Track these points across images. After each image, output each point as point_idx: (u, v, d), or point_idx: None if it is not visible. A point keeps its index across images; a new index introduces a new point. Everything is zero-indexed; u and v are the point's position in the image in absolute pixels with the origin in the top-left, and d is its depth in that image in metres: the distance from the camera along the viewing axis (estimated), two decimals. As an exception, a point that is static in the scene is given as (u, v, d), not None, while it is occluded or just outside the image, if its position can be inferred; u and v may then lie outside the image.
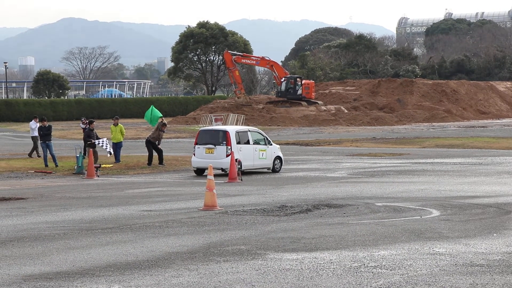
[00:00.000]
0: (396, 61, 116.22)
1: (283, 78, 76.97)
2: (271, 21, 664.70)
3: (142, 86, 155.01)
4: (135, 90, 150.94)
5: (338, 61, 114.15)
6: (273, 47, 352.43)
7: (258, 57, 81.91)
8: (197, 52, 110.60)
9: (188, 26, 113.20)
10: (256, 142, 29.36)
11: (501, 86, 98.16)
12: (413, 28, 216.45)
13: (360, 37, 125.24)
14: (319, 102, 78.50)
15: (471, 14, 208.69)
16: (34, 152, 35.62)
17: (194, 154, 28.71)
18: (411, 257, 12.16)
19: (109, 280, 10.62)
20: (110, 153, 31.20)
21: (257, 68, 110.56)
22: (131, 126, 64.72)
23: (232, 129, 29.42)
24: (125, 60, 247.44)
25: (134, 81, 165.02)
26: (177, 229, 15.39)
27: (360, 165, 32.63)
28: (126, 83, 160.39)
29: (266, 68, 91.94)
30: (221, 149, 28.05)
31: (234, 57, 78.75)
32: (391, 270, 11.12)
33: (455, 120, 77.83)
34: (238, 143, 28.49)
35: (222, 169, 27.90)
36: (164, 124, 33.00)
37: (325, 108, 76.93)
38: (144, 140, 36.00)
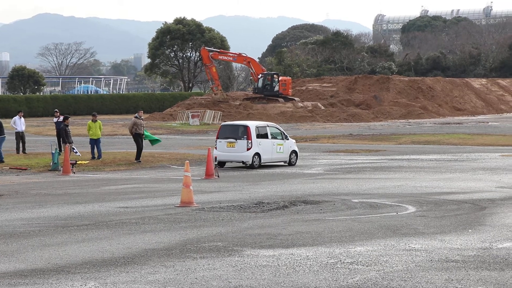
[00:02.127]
0: (373, 58, 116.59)
1: (260, 75, 76.95)
2: (248, 18, 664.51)
3: (118, 82, 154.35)
4: (111, 86, 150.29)
5: (315, 57, 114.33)
6: (250, 44, 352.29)
7: (235, 53, 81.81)
8: (174, 49, 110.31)
9: (165, 22, 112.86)
10: (274, 137, 30.59)
11: (476, 83, 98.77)
12: (389, 25, 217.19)
13: (337, 34, 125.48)
14: (296, 98, 78.58)
15: (447, 12, 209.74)
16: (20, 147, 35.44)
17: (215, 148, 29.81)
18: (387, 253, 12.21)
19: (84, 277, 10.57)
20: (78, 153, 31.06)
21: (234, 64, 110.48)
22: (108, 122, 64.45)
23: (252, 124, 30.73)
24: (101, 56, 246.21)
25: (111, 77, 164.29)
26: (153, 225, 15.35)
27: (336, 162, 32.71)
28: (103, 79, 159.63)
29: (243, 65, 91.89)
30: (242, 143, 29.45)
31: (211, 53, 78.62)
32: (367, 266, 11.15)
33: (431, 117, 78.22)
34: (258, 137, 29.79)
35: (243, 162, 29.60)
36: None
37: (302, 104, 77.02)
38: (122, 136, 35.78)
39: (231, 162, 30.25)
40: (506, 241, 13.29)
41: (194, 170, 26.59)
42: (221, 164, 29.67)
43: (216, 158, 26.35)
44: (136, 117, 32.87)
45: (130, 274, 10.75)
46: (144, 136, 32.58)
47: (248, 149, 29.37)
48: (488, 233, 14.20)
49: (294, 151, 31.21)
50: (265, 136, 30.21)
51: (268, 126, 31.14)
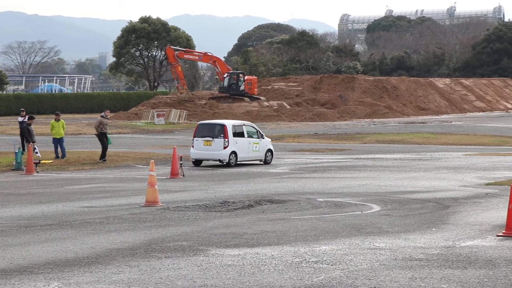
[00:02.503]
0: (338, 57, 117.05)
1: (226, 74, 76.88)
2: (214, 17, 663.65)
3: (83, 81, 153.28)
4: (76, 85, 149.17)
5: (280, 57, 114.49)
6: (216, 43, 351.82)
7: (200, 52, 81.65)
8: (139, 47, 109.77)
9: (130, 21, 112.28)
10: (250, 135, 31.12)
11: (440, 82, 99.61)
12: (354, 24, 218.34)
13: (303, 33, 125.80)
14: (261, 98, 78.62)
15: (411, 12, 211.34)
16: None
17: (192, 146, 30.47)
18: (352, 252, 12.26)
19: (48, 278, 10.47)
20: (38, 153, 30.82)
21: (200, 63, 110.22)
22: (72, 121, 63.97)
23: (229, 122, 31.37)
24: (65, 54, 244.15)
25: (75, 76, 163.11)
26: (118, 225, 15.26)
27: (302, 161, 32.79)
28: (67, 78, 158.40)
29: (208, 64, 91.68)
30: (218, 142, 29.98)
31: (176, 52, 78.39)
32: (332, 265, 11.19)
33: (396, 116, 78.73)
34: (234, 136, 30.31)
35: (220, 161, 30.09)
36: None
37: (267, 104, 77.10)
38: (86, 135, 35.54)
39: (208, 160, 30.64)
40: (469, 240, 13.41)
41: (160, 170, 26.50)
42: (197, 162, 30.34)
43: (181, 157, 26.32)
44: (102, 116, 32.69)
45: (94, 274, 10.68)
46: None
47: (224, 148, 29.92)
48: (452, 231, 14.32)
49: (269, 150, 31.71)
50: (241, 134, 30.72)
51: (244, 125, 31.77)
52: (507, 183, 22.15)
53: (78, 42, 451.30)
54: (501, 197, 19.40)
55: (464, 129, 56.82)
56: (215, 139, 30.08)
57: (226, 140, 29.97)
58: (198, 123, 32.69)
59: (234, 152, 30.23)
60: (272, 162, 31.65)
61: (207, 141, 30.15)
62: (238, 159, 30.47)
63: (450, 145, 42.96)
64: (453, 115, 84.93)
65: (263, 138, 31.65)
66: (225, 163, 30.06)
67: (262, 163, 31.37)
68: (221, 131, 30.21)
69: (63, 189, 22.51)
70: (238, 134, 30.64)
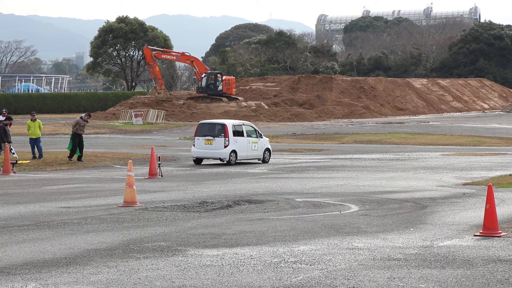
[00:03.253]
0: (316, 57, 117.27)
1: (204, 74, 76.79)
2: (192, 17, 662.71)
3: (60, 81, 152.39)
4: (52, 85, 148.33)
5: (258, 57, 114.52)
6: (194, 43, 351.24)
7: (178, 52, 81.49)
8: (117, 47, 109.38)
9: (107, 21, 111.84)
10: (249, 135, 31.93)
11: (417, 83, 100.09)
12: (332, 25, 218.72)
13: (280, 33, 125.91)
14: (239, 98, 78.63)
15: (388, 12, 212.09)
16: None
17: (193, 145, 31.36)
18: (331, 252, 12.28)
19: (25, 278, 10.40)
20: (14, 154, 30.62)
21: (178, 63, 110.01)
22: (49, 121, 63.60)
23: (229, 122, 32.28)
24: (42, 54, 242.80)
25: (52, 76, 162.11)
26: (96, 225, 15.20)
27: (280, 161, 32.82)
28: (44, 78, 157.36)
29: (186, 64, 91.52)
30: (219, 141, 30.83)
31: (154, 52, 78.18)
32: (310, 265, 11.20)
33: (373, 116, 79.01)
34: (234, 135, 31.12)
35: (220, 159, 30.96)
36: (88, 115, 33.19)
37: (245, 104, 77.11)
38: (64, 135, 35.37)
39: (208, 158, 31.35)
40: (447, 239, 13.48)
41: (138, 170, 26.42)
42: (198, 161, 31.30)
43: (159, 158, 26.26)
44: (81, 117, 32.48)
45: (72, 275, 10.62)
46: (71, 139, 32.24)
47: (225, 147, 30.74)
48: (429, 231, 14.39)
49: (267, 149, 32.50)
50: (241, 134, 31.54)
51: (244, 124, 32.57)
52: (484, 183, 22.30)
53: (55, 42, 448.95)
54: (478, 197, 19.52)
55: (441, 129, 57.13)
56: (216, 138, 30.89)
57: (227, 139, 30.76)
58: (199, 122, 33.64)
59: (234, 151, 31.01)
60: (250, 163, 31.66)
61: (208, 140, 30.93)
62: (238, 158, 31.24)
63: (428, 145, 43.19)
64: (430, 115, 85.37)
65: (262, 137, 32.43)
66: (225, 161, 30.85)
67: (260, 162, 32.13)
68: (222, 130, 31.00)
69: (41, 189, 22.38)
70: (238, 133, 31.44)
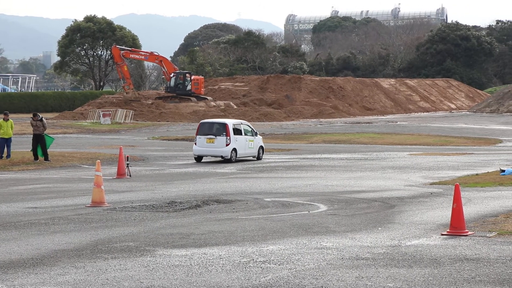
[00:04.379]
0: (284, 57, 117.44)
1: (172, 74, 76.58)
2: (160, 16, 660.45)
3: (27, 80, 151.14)
4: (19, 84, 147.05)
5: (227, 57, 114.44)
6: (162, 43, 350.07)
7: (147, 52, 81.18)
8: (84, 47, 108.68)
9: (75, 20, 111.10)
10: (245, 133, 33.05)
11: (386, 83, 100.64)
12: (300, 25, 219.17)
13: (249, 33, 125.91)
14: (208, 97, 78.53)
15: (356, 12, 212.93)
16: None
17: (195, 144, 32.38)
18: (299, 251, 12.30)
19: (-8, 280, 10.30)
20: None
21: (146, 63, 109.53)
22: (16, 121, 62.91)
23: (230, 121, 33.64)
24: (8, 53, 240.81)
25: (19, 76, 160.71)
26: (63, 226, 15.09)
27: (249, 161, 32.81)
28: (10, 77, 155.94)
29: (155, 64, 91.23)
30: (221, 139, 31.98)
31: (122, 52, 77.82)
32: (279, 265, 11.21)
33: (342, 116, 79.32)
34: (234, 134, 32.27)
35: (222, 157, 32.04)
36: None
37: (214, 103, 77.04)
38: (31, 135, 35.03)
39: (210, 156, 32.56)
40: (414, 239, 13.56)
41: (106, 170, 26.28)
42: (199, 158, 32.31)
43: (128, 157, 26.15)
44: (33, 119, 32.24)
45: (39, 276, 10.53)
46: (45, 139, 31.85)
47: (227, 145, 31.88)
48: (397, 230, 14.47)
49: (261, 147, 33.72)
50: (240, 132, 32.71)
51: (242, 123, 33.91)
52: (451, 182, 22.47)
53: (21, 41, 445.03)
54: (446, 196, 19.67)
55: (409, 129, 57.51)
56: (217, 137, 32.01)
57: (228, 137, 31.92)
58: (200, 122, 34.77)
59: (234, 149, 32.16)
60: (218, 162, 31.64)
61: (210, 138, 32.03)
62: (238, 156, 32.36)
63: (396, 145, 43.44)
64: (398, 115, 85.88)
65: (257, 135, 33.58)
66: (226, 159, 31.92)
67: (255, 159, 33.20)
68: (223, 129, 32.14)
69: (7, 189, 22.16)
70: (237, 132, 32.57)
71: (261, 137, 34.44)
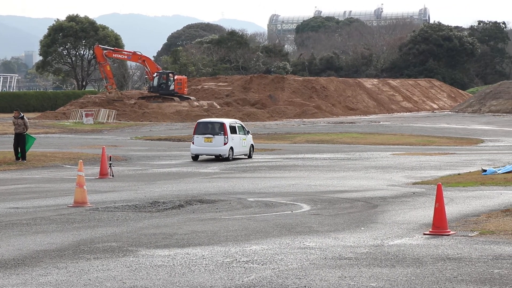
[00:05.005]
0: (268, 57, 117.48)
1: (155, 74, 76.45)
2: (143, 16, 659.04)
3: (9, 80, 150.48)
4: (1, 84, 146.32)
5: (210, 56, 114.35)
6: (145, 42, 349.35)
7: (129, 52, 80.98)
8: (67, 46, 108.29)
9: (57, 19, 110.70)
10: (239, 132, 33.71)
11: (368, 83, 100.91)
12: (284, 25, 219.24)
13: (232, 33, 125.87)
14: (191, 97, 78.45)
15: (340, 13, 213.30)
16: None
17: (192, 143, 32.93)
18: (282, 251, 12.30)
19: (-27, 281, 10.23)
20: None
21: (129, 63, 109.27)
22: (-2, 121, 62.70)
23: (227, 121, 34.17)
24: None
25: (0, 75, 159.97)
26: (45, 226, 15.01)
27: (232, 161, 32.79)
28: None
29: (138, 63, 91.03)
30: (219, 138, 32.64)
31: (105, 51, 77.60)
32: (262, 265, 11.21)
33: (325, 116, 79.45)
34: (231, 133, 32.95)
35: (220, 155, 32.71)
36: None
37: (197, 103, 76.96)
38: (12, 134, 34.88)
39: (208, 155, 33.09)
40: (397, 238, 13.60)
41: (88, 170, 26.18)
42: (195, 157, 32.82)
43: (110, 157, 26.07)
44: (14, 117, 32.03)
45: (20, 276, 10.48)
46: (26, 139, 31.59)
47: (224, 144, 32.61)
48: (380, 230, 14.50)
49: (252, 145, 34.56)
50: (235, 131, 33.37)
51: (236, 122, 34.69)
52: (434, 182, 22.55)
53: (3, 40, 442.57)
54: (428, 196, 19.73)
55: (392, 129, 57.68)
56: (215, 136, 32.64)
57: (226, 137, 32.63)
58: (197, 121, 35.26)
59: (231, 148, 32.82)
60: (201, 163, 31.64)
61: (207, 138, 32.63)
62: (234, 154, 33.06)
63: (378, 144, 43.56)
64: (381, 115, 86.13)
65: (248, 134, 34.38)
66: (224, 157, 32.59)
67: (247, 157, 33.94)
68: (221, 128, 32.81)
69: (-11, 190, 22.02)
70: (233, 131, 33.22)
71: (251, 135, 35.08)
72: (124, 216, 16.35)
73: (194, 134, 33.16)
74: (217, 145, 32.62)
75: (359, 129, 57.94)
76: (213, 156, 33.03)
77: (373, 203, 18.61)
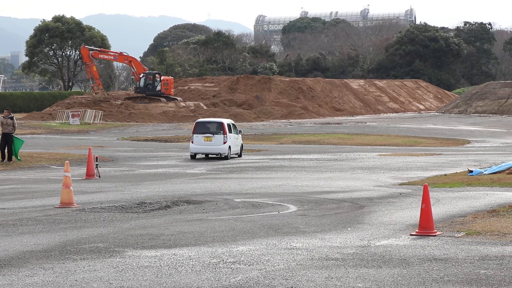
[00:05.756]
0: (254, 58, 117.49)
1: (142, 74, 76.31)
2: (129, 17, 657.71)
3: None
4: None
5: (197, 57, 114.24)
6: (132, 43, 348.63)
7: (116, 52, 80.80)
8: (53, 47, 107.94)
9: (43, 20, 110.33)
10: (233, 132, 34.63)
11: (355, 83, 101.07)
12: (270, 26, 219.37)
13: (219, 34, 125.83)
14: (178, 98, 78.35)
15: (326, 13, 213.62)
16: None
17: (192, 142, 33.87)
18: (269, 252, 12.31)
19: (-41, 282, 10.18)
20: None
21: (115, 63, 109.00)
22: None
23: (225, 121, 35.36)
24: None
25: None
26: (32, 227, 14.96)
27: (219, 161, 32.79)
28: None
29: (124, 64, 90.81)
30: (219, 138, 33.64)
31: (91, 52, 77.41)
32: (249, 266, 11.21)
33: (312, 117, 79.52)
34: (228, 132, 34.00)
35: (220, 154, 33.62)
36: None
37: (184, 104, 76.88)
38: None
39: (208, 154, 34.03)
40: (384, 239, 13.63)
41: (75, 170, 26.11)
42: (194, 156, 33.82)
43: (97, 158, 26.01)
44: (3, 117, 31.87)
45: (6, 277, 10.44)
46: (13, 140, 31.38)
47: (224, 143, 33.65)
48: (367, 231, 14.53)
49: (242, 144, 35.66)
50: (231, 131, 34.37)
51: (230, 122, 35.69)
52: (420, 183, 22.62)
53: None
54: (414, 196, 19.79)
55: (378, 130, 57.80)
56: (215, 135, 33.65)
57: (225, 136, 33.69)
58: (196, 121, 36.26)
59: (229, 147, 33.85)
60: (189, 163, 31.62)
61: (207, 137, 33.66)
62: (231, 152, 34.13)
63: (365, 145, 43.65)
64: (368, 116, 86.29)
65: (240, 133, 35.58)
66: (223, 156, 33.52)
67: (237, 156, 34.87)
68: (220, 128, 33.82)
69: (-26, 191, 21.93)
70: (230, 130, 34.28)
71: (240, 135, 35.88)
72: (111, 217, 16.32)
73: (193, 133, 33.97)
74: (216, 144, 33.56)
75: (346, 129, 58.04)
76: (214, 155, 33.84)
77: (359, 203, 18.65)
